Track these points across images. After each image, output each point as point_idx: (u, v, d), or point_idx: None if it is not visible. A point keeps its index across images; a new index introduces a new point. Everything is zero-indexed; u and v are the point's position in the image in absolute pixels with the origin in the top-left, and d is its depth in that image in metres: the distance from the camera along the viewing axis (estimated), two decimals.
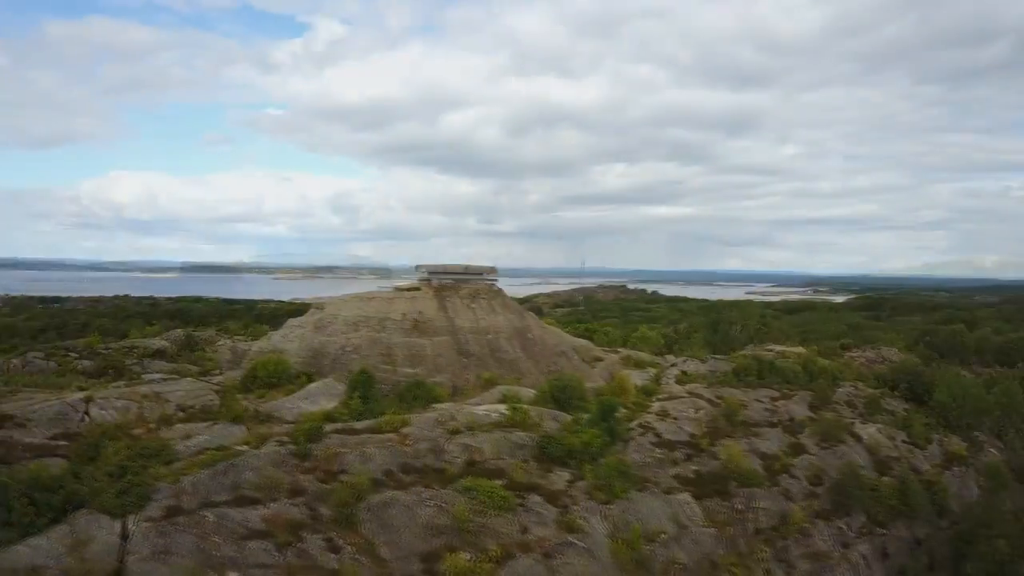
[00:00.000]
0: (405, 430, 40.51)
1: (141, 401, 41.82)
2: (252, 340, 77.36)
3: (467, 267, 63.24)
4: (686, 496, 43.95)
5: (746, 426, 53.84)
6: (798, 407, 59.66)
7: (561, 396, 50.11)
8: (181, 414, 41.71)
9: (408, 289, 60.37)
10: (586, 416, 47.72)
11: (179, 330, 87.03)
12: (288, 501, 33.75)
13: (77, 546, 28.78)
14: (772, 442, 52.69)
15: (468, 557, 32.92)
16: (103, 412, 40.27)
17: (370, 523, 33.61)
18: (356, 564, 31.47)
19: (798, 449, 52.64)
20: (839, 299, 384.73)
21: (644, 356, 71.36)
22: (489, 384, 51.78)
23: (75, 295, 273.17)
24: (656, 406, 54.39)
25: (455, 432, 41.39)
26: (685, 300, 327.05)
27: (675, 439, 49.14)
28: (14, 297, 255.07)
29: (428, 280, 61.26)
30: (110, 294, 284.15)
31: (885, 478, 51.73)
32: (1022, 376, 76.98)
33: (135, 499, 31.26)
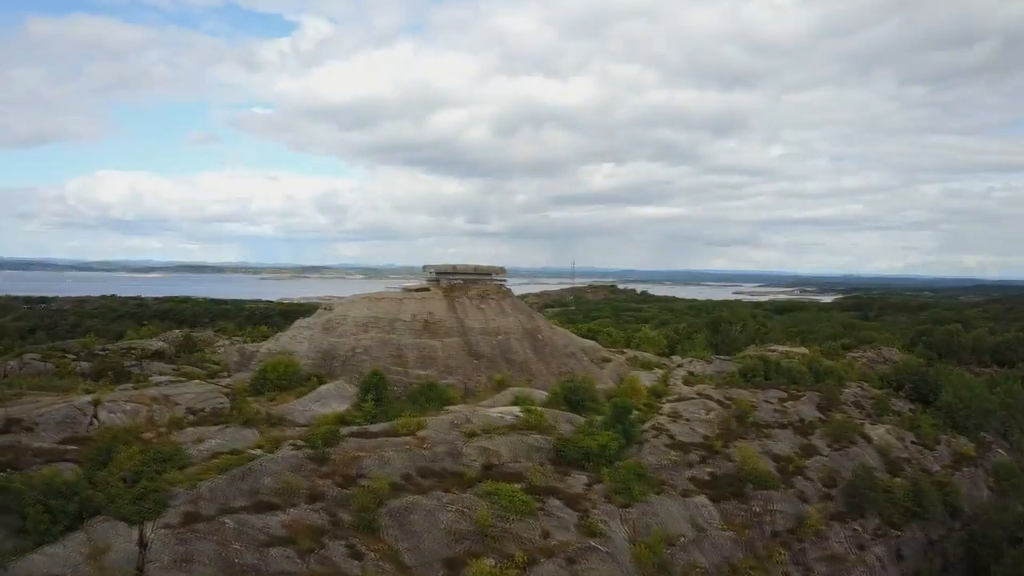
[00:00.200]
0: (421, 433, 39.89)
1: (150, 404, 40.95)
2: (252, 341, 76.49)
3: (476, 267, 62.63)
4: (703, 499, 43.57)
5: (757, 427, 53.54)
6: (807, 408, 59.42)
7: (573, 398, 49.62)
8: (191, 417, 40.84)
9: (417, 290, 59.68)
10: (599, 418, 47.25)
11: (177, 331, 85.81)
12: (308, 506, 33.06)
13: (95, 554, 27.99)
14: (784, 443, 52.41)
15: (492, 563, 32.35)
16: (112, 415, 39.38)
17: (392, 529, 32.97)
18: (380, 571, 30.84)
19: (810, 450, 52.37)
20: (826, 299, 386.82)
21: (650, 357, 71.01)
22: (501, 386, 51.21)
23: (61, 295, 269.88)
24: (667, 407, 54.01)
25: (471, 435, 40.81)
26: (675, 300, 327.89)
27: (689, 441, 48.75)
28: None
29: (436, 281, 60.60)
30: (96, 294, 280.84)
31: (897, 479, 51.49)
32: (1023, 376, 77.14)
33: (152, 505, 30.51)
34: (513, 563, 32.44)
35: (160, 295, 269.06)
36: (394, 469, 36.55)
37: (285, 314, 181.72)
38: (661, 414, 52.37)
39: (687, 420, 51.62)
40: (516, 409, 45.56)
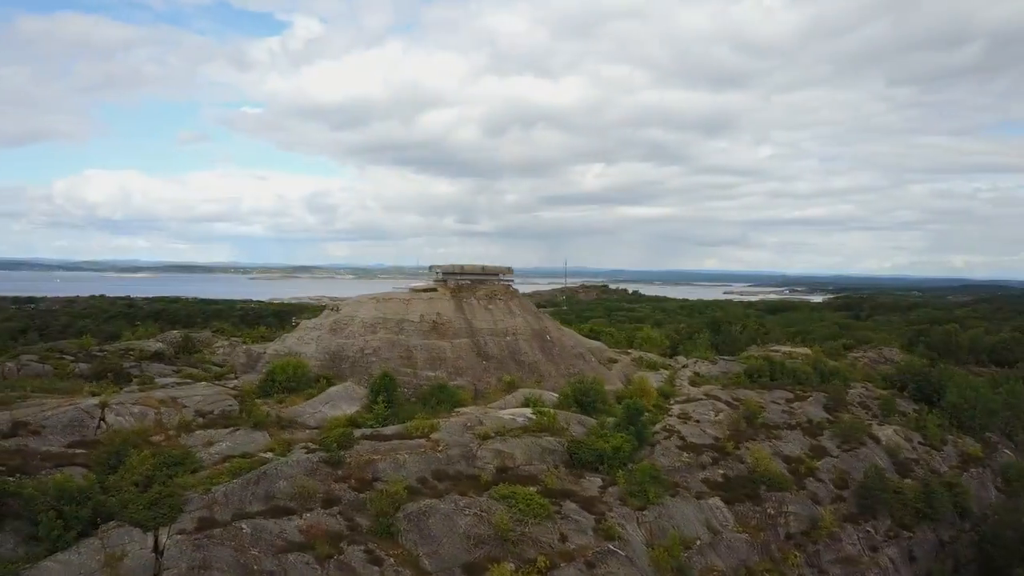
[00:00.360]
0: (435, 435, 39.33)
1: (158, 406, 40.21)
2: (252, 342, 75.52)
3: (484, 267, 61.97)
4: (717, 501, 43.23)
5: (767, 429, 53.24)
6: (814, 409, 59.18)
7: (584, 399, 49.13)
8: (200, 420, 40.14)
9: (424, 290, 59.01)
10: (610, 420, 46.82)
11: (175, 332, 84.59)
12: (324, 511, 32.47)
13: (111, 561, 27.33)
14: (794, 445, 52.14)
15: (512, 568, 31.86)
16: (119, 418, 38.63)
17: (410, 533, 32.42)
18: None
19: (820, 452, 52.10)
20: (816, 299, 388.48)
21: (655, 358, 70.64)
22: (511, 387, 50.64)
23: (49, 295, 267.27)
24: (676, 409, 53.64)
25: (485, 437, 40.27)
26: (667, 300, 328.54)
27: (700, 442, 48.37)
28: None
29: (444, 281, 59.93)
30: (85, 294, 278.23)
31: (907, 480, 51.34)
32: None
33: (166, 511, 29.85)
34: (534, 568, 31.99)
35: (150, 295, 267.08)
36: (409, 472, 35.98)
37: (278, 314, 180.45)
38: (671, 415, 52.00)
39: (697, 421, 51.25)
40: (527, 411, 45.06)
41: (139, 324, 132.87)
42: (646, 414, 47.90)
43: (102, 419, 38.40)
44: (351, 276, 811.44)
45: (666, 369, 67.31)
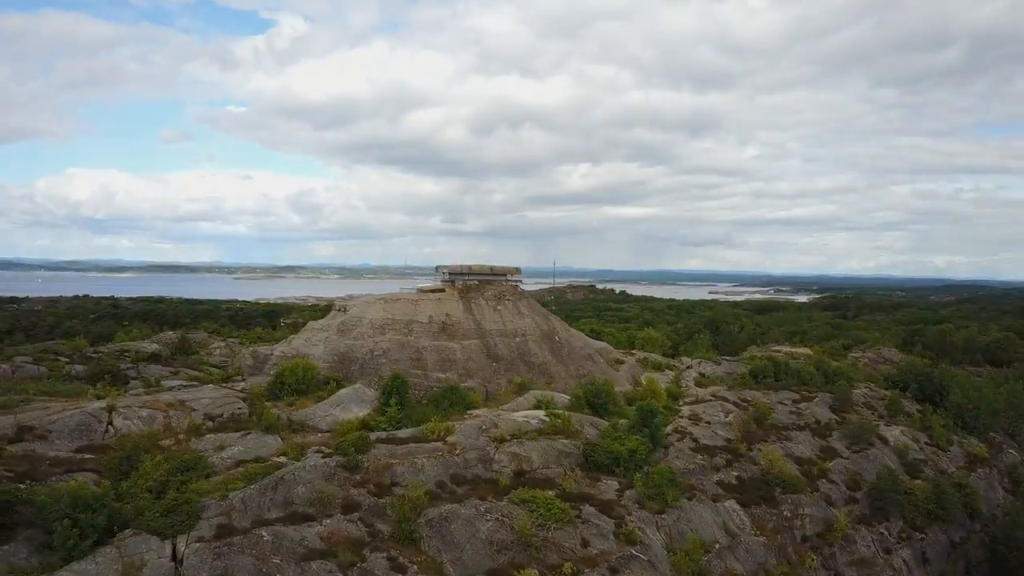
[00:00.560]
0: (451, 439, 38.65)
1: (166, 410, 39.24)
2: (250, 343, 74.57)
3: (492, 268, 61.17)
4: (733, 503, 42.82)
5: (776, 430, 52.95)
6: (820, 409, 58.98)
7: (596, 401, 48.57)
8: (210, 423, 39.23)
9: (432, 290, 58.15)
10: (623, 422, 46.33)
11: (170, 332, 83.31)
12: (343, 517, 31.72)
13: (129, 571, 26.46)
14: (804, 446, 51.86)
15: (537, 574, 31.27)
16: (127, 422, 37.66)
17: (432, 539, 31.71)
18: None
19: (830, 453, 51.85)
20: (801, 299, 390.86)
21: (660, 358, 70.18)
22: (521, 389, 49.97)
23: (32, 295, 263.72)
24: (686, 410, 53.21)
25: (501, 440, 39.62)
26: (654, 300, 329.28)
27: (712, 444, 47.98)
28: None
29: (451, 281, 59.09)
30: (68, 294, 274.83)
31: (917, 481, 51.15)
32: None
33: (184, 518, 28.97)
34: (560, 574, 31.40)
35: (134, 295, 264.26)
36: (428, 477, 35.29)
37: (268, 315, 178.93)
38: (681, 417, 51.56)
39: (708, 423, 50.86)
40: (540, 413, 44.44)
41: (127, 325, 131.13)
42: (659, 416, 47.39)
43: (110, 423, 37.41)
44: (337, 276, 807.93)
45: (671, 370, 66.90)
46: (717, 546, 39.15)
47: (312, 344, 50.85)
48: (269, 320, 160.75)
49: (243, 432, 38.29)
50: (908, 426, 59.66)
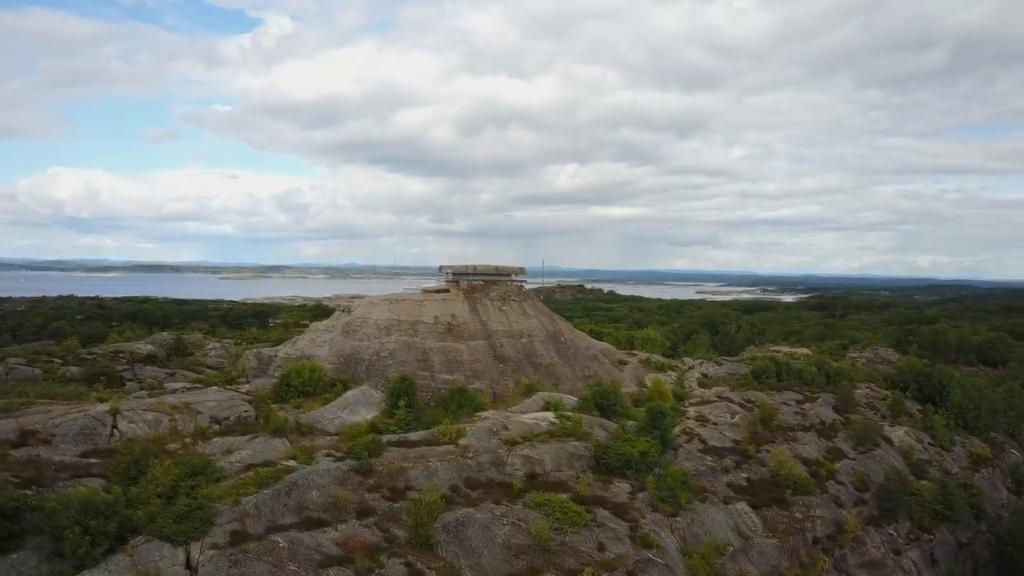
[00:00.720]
0: (463, 441, 38.11)
1: (171, 413, 38.40)
2: (247, 344, 73.66)
3: (497, 268, 60.57)
4: (743, 505, 42.53)
5: (783, 431, 52.75)
6: (824, 410, 58.87)
7: (604, 403, 48.13)
8: (216, 427, 38.45)
9: (436, 291, 57.51)
10: (631, 423, 45.92)
11: (165, 333, 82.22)
12: (358, 522, 31.09)
13: None
14: (810, 447, 51.69)
15: None
16: (132, 425, 36.79)
17: (449, 544, 31.15)
18: None
19: (837, 454, 51.72)
20: (788, 298, 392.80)
21: (662, 359, 69.84)
22: (529, 390, 49.44)
23: (15, 295, 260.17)
24: (692, 411, 52.89)
25: (513, 443, 39.13)
26: (643, 300, 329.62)
27: (721, 446, 47.71)
28: None
29: (455, 282, 58.47)
30: (53, 294, 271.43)
31: (924, 482, 51.09)
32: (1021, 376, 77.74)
33: (197, 524, 28.25)
34: None
35: (119, 295, 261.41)
36: (441, 480, 34.73)
37: (257, 315, 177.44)
38: (688, 418, 51.25)
39: (715, 424, 50.57)
40: (549, 415, 43.97)
41: (115, 325, 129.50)
42: (668, 418, 47.03)
43: (114, 426, 36.51)
44: (323, 276, 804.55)
45: (673, 370, 66.59)
46: (731, 549, 38.85)
47: (317, 345, 50.09)
48: (259, 320, 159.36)
49: (251, 435, 37.55)
50: (911, 426, 59.66)
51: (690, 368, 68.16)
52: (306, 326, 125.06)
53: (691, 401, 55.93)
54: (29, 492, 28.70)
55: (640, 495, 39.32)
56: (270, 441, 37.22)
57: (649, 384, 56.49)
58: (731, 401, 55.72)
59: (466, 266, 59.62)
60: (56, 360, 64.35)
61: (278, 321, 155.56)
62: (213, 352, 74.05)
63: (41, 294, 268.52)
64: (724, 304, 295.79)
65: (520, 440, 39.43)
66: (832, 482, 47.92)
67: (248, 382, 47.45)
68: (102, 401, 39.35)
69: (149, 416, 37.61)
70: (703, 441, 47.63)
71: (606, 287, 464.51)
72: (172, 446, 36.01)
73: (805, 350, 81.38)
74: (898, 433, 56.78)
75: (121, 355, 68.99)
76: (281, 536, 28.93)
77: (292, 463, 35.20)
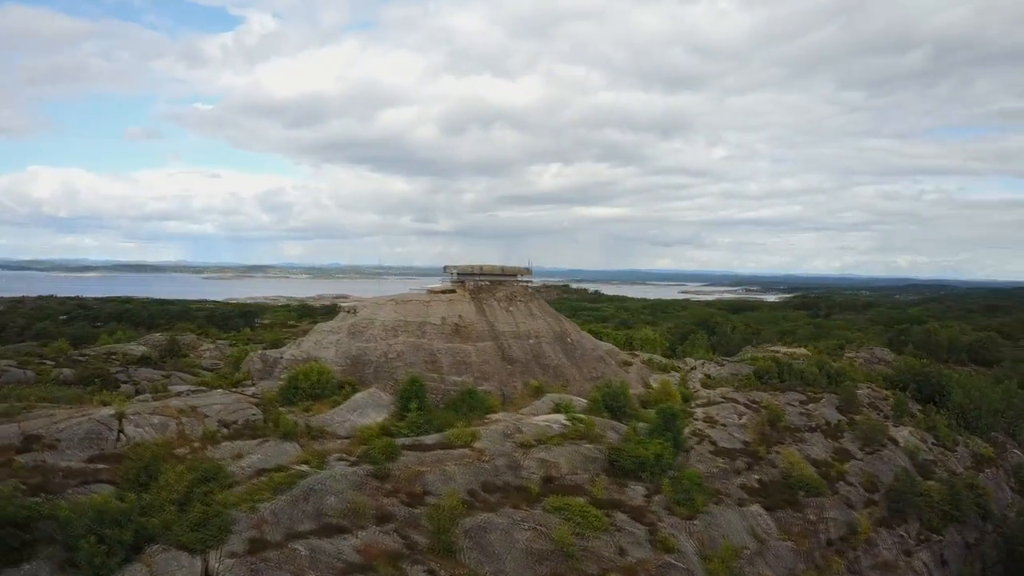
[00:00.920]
0: (478, 445, 37.42)
1: (178, 416, 37.45)
2: (243, 345, 72.54)
3: (503, 268, 59.91)
4: (758, 508, 42.18)
5: (790, 432, 52.49)
6: (828, 410, 58.70)
7: (613, 404, 47.62)
8: (225, 431, 37.52)
9: (443, 291, 56.74)
10: (642, 425, 45.43)
11: (159, 334, 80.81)
12: (378, 528, 30.35)
13: None
14: (818, 448, 51.47)
15: None
16: (139, 430, 35.81)
17: (471, 551, 30.49)
18: None
19: (844, 455, 51.55)
20: (771, 298, 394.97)
21: (663, 359, 69.54)
22: (538, 392, 48.85)
23: None
24: (699, 412, 52.53)
25: (527, 446, 38.52)
26: (628, 299, 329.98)
27: (731, 447, 47.35)
28: None
29: (461, 282, 57.74)
30: (32, 294, 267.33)
31: (931, 483, 50.99)
32: (1020, 376, 78.14)
33: (214, 532, 27.39)
34: None
35: (100, 295, 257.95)
36: (459, 485, 34.04)
37: (243, 315, 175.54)
38: (696, 419, 50.87)
39: (723, 425, 50.23)
40: (561, 417, 43.40)
41: (100, 326, 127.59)
42: (679, 419, 46.60)
43: (120, 431, 35.53)
44: (306, 276, 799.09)
45: (676, 371, 66.29)
46: (747, 552, 38.46)
47: (323, 347, 49.19)
48: (245, 321, 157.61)
49: (260, 439, 36.64)
50: (914, 427, 59.66)
51: (692, 369, 67.90)
52: (294, 326, 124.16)
53: (697, 402, 55.59)
54: (39, 500, 27.76)
55: (656, 498, 38.87)
56: (280, 445, 36.35)
57: (655, 385, 56.09)
58: (736, 402, 55.43)
59: (472, 266, 58.91)
60: (48, 362, 63.08)
61: (265, 321, 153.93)
62: (208, 353, 72.88)
63: (20, 294, 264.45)
64: (708, 304, 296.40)
65: (534, 443, 38.84)
66: (842, 483, 47.71)
67: (253, 384, 46.52)
68: (105, 404, 38.33)
69: (155, 420, 36.65)
70: (713, 443, 47.24)
71: (590, 287, 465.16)
72: (181, 451, 35.06)
73: (803, 350, 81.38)
74: (903, 433, 56.76)
75: (114, 357, 67.72)
76: (301, 544, 28.14)
77: (304, 467, 34.36)
